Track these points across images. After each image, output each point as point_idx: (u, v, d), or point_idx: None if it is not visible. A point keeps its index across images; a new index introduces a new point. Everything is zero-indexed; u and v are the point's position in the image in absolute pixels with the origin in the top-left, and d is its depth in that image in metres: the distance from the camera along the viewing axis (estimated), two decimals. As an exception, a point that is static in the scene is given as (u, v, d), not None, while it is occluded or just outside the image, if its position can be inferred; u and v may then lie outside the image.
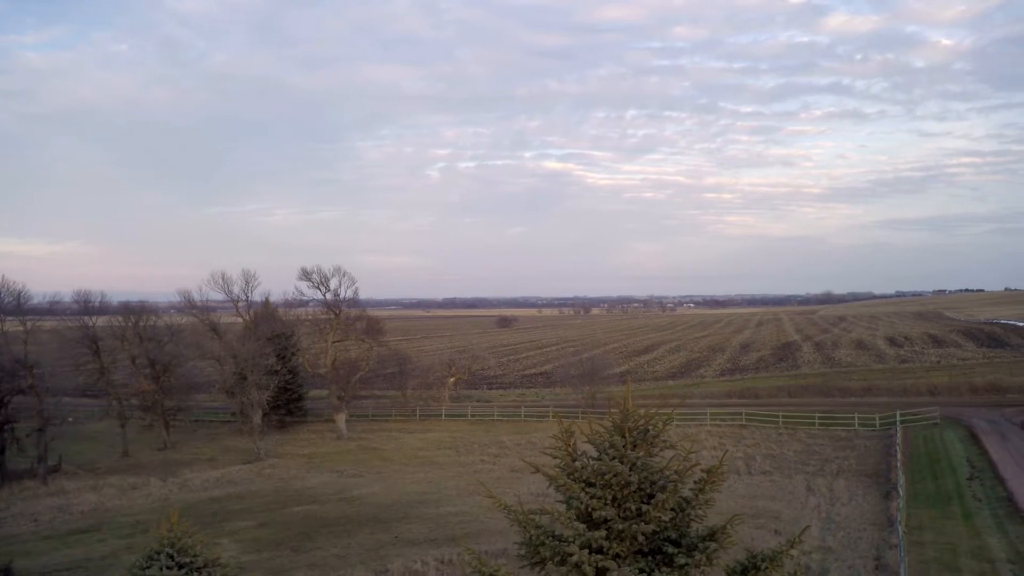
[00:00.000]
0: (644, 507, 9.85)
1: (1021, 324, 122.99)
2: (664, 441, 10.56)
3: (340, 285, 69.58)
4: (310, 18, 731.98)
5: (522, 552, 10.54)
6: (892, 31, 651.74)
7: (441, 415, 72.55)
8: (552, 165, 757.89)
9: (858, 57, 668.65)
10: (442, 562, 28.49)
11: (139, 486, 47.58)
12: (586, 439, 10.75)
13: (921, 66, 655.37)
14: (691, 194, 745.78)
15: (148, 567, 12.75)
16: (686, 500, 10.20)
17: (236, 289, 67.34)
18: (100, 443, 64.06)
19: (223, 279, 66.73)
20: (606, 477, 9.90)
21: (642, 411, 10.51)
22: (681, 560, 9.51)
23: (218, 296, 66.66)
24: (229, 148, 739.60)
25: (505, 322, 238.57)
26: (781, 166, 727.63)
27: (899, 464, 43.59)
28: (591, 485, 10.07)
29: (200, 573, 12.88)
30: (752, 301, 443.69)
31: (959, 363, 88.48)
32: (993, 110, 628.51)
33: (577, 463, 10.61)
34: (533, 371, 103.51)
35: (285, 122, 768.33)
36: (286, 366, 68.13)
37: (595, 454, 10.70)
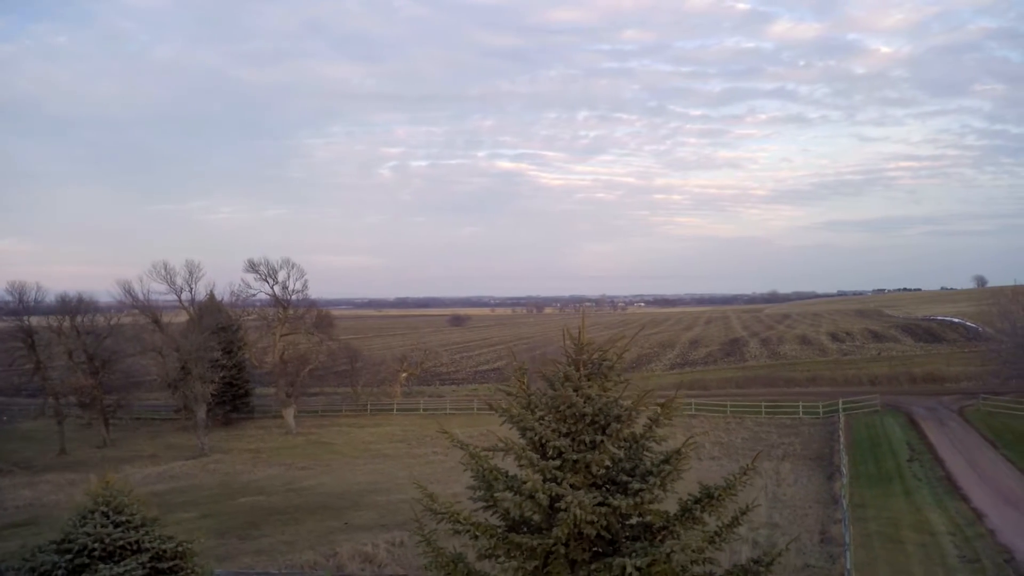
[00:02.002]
0: (599, 438, 9.79)
1: (957, 320, 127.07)
2: (618, 375, 10.53)
3: (289, 277, 68.14)
4: (259, 13, 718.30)
5: (477, 495, 10.39)
6: (834, 38, 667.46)
7: (393, 410, 71.78)
8: (505, 165, 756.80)
9: (801, 63, 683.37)
10: (393, 544, 28.16)
11: (77, 482, 45.85)
12: (541, 376, 10.66)
13: (861, 73, 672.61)
14: (641, 195, 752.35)
15: (83, 525, 12.15)
16: (640, 434, 10.18)
17: (179, 280, 65.09)
18: (36, 441, 61.80)
19: (165, 269, 64.40)
20: (561, 409, 9.82)
21: (596, 343, 10.49)
22: (636, 486, 9.47)
23: (160, 287, 64.23)
24: (175, 143, 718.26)
25: (458, 320, 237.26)
26: (728, 168, 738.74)
27: (842, 448, 44.67)
28: (545, 419, 9.99)
29: (138, 532, 12.34)
30: (701, 300, 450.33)
31: (898, 355, 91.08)
32: (929, 116, 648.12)
33: (532, 398, 10.51)
34: (486, 367, 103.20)
35: (232, 118, 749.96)
36: (232, 360, 66.60)
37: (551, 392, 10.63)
